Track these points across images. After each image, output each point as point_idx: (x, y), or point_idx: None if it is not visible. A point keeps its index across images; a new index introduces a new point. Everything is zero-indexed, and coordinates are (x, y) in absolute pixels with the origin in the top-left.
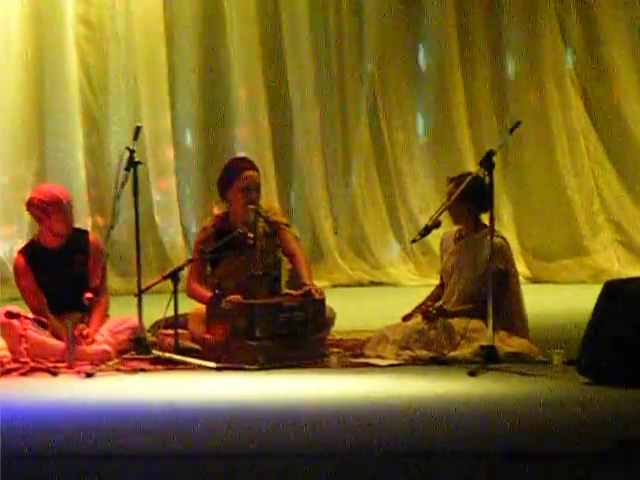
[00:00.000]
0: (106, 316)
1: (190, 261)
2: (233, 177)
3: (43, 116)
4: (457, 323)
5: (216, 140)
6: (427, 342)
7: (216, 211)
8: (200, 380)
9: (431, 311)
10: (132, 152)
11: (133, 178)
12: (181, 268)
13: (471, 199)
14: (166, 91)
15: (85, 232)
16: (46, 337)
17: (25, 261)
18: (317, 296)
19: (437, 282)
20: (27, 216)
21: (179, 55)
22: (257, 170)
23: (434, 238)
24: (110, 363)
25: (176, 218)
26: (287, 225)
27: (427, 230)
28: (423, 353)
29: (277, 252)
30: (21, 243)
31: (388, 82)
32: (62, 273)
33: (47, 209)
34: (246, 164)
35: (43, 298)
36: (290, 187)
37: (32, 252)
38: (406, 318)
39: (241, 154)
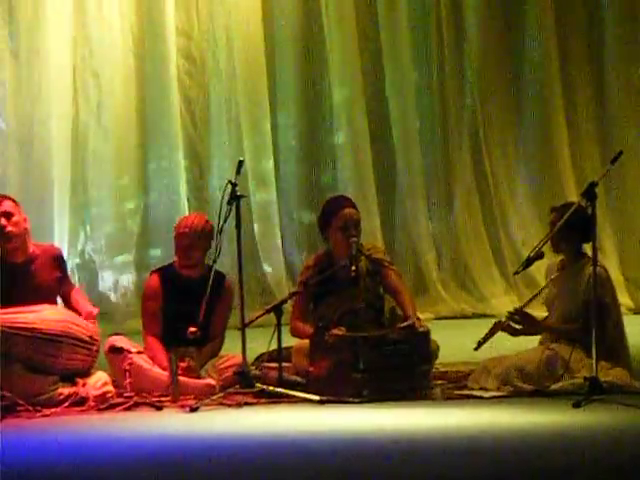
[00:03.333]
0: (216, 355)
1: (294, 294)
2: (332, 215)
3: (146, 150)
4: (560, 352)
5: (317, 177)
6: (527, 377)
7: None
8: (304, 413)
9: (513, 315)
10: (234, 186)
11: (236, 212)
12: (285, 301)
13: (574, 228)
14: (268, 124)
15: (223, 275)
16: (152, 370)
17: (159, 282)
18: (421, 329)
19: (540, 313)
20: (132, 250)
21: (280, 88)
22: (356, 207)
23: (537, 269)
24: (214, 397)
25: (279, 251)
26: (390, 263)
27: (529, 261)
28: (525, 386)
29: (379, 289)
30: (127, 278)
31: (490, 114)
32: (189, 305)
33: (181, 238)
34: (344, 201)
35: (161, 326)
36: (394, 221)
37: (167, 275)
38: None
39: (343, 191)
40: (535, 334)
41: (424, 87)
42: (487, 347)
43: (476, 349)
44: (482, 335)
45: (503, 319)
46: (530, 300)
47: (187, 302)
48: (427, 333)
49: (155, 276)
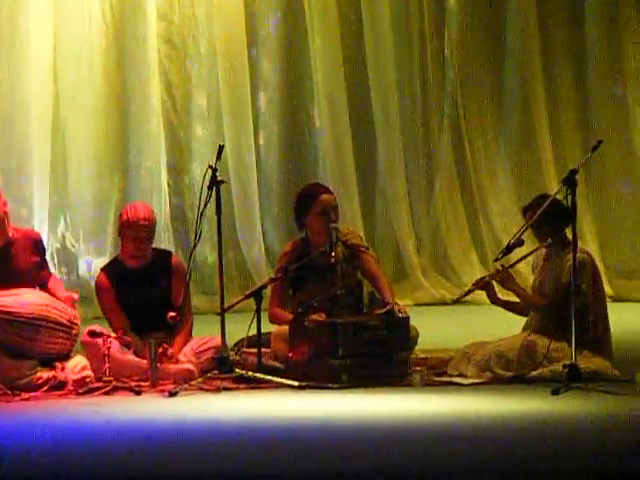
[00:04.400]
0: (190, 336)
1: (273, 280)
2: (310, 201)
3: (126, 134)
4: (539, 343)
5: (298, 161)
6: (507, 363)
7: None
8: (283, 399)
9: (498, 272)
10: (215, 171)
11: (216, 197)
12: (264, 286)
13: (552, 217)
14: (249, 110)
15: (168, 253)
16: (129, 356)
17: (107, 279)
18: (400, 314)
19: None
20: (110, 234)
21: (261, 72)
22: (332, 193)
23: (517, 256)
24: (193, 382)
25: (259, 237)
26: (366, 247)
27: (509, 248)
28: (505, 373)
29: (357, 274)
30: (103, 261)
31: (470, 101)
32: (144, 293)
33: (138, 229)
34: (321, 188)
35: (125, 317)
36: (374, 207)
37: (114, 271)
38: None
39: (323, 177)
40: (505, 307)
41: (405, 72)
42: (467, 333)
43: (454, 302)
44: (465, 320)
45: (487, 277)
46: (516, 262)
47: (140, 291)
48: (406, 319)
49: (102, 274)
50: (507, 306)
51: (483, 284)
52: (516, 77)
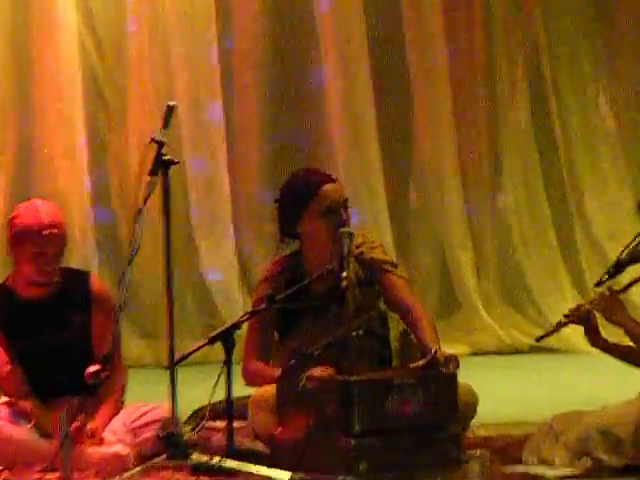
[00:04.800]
0: (121, 403)
1: (252, 315)
2: (306, 197)
3: (26, 86)
4: None
5: (290, 135)
6: (617, 445)
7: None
8: None
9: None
10: (161, 146)
11: (163, 187)
12: (237, 325)
13: None
14: (214, 55)
15: (85, 275)
16: (28, 433)
17: None
18: (448, 369)
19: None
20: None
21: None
22: (338, 182)
23: (630, 277)
24: (127, 474)
25: (229, 247)
26: (393, 265)
27: (619, 267)
28: (613, 460)
29: (379, 305)
30: None
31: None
32: (50, 337)
33: (41, 242)
34: (322, 176)
35: (21, 375)
36: (408, 206)
37: (1, 304)
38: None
39: (328, 159)
40: (611, 352)
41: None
42: (552, 397)
43: (538, 340)
44: (550, 377)
45: (587, 305)
46: (630, 285)
47: (43, 334)
48: (453, 376)
49: None
50: (614, 350)
51: (581, 315)
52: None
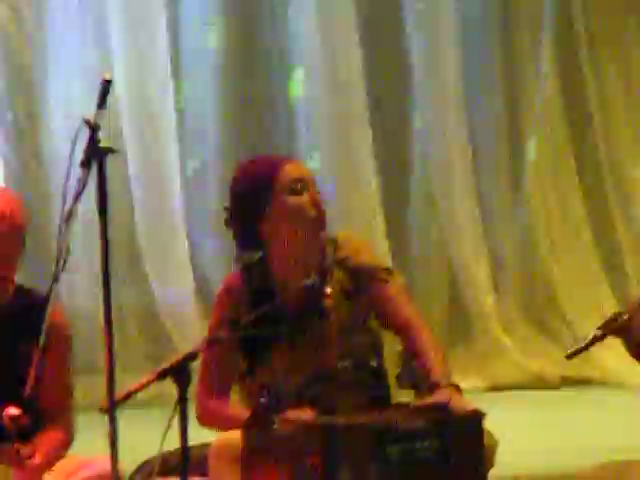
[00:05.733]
0: (59, 457)
1: (210, 342)
2: (265, 185)
3: None
4: None
5: (266, 112)
6: None
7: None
8: None
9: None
10: (94, 130)
11: (98, 182)
12: (193, 356)
13: None
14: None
15: (43, 299)
16: None
17: None
18: (462, 408)
19: None
20: None
21: None
22: (300, 162)
23: None
24: None
25: (183, 257)
26: (387, 271)
27: None
28: None
29: (370, 324)
30: None
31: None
32: None
33: (16, 237)
34: (277, 158)
35: None
36: (407, 207)
37: None
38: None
39: (309, 149)
40: None
41: None
42: (589, 447)
43: (569, 357)
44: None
45: (626, 315)
46: None
47: None
48: (475, 417)
49: None
50: None
51: (619, 326)
52: None
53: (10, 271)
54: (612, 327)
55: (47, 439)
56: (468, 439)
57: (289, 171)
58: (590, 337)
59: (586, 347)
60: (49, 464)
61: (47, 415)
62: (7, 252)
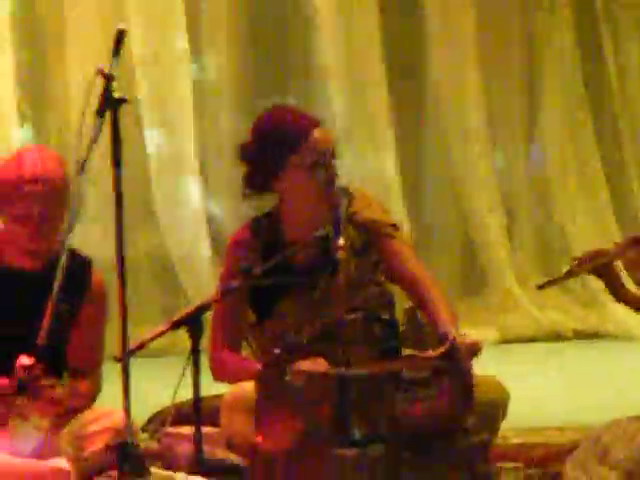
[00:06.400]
0: (77, 410)
1: (225, 293)
2: (291, 146)
3: None
4: None
5: (278, 54)
6: None
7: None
8: None
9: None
10: (108, 80)
11: (112, 133)
12: (206, 306)
13: None
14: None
15: (87, 261)
16: None
17: None
18: (471, 354)
19: None
20: None
21: None
22: (325, 127)
23: None
24: None
25: (196, 209)
26: (395, 227)
27: None
28: None
29: (378, 279)
30: None
31: None
32: (24, 322)
33: (33, 199)
34: (309, 120)
35: None
36: (423, 152)
37: None
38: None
39: (320, 94)
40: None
41: None
42: (603, 399)
43: (540, 288)
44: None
45: (609, 254)
46: None
47: (24, 310)
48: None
49: None
50: None
51: (604, 263)
52: None
53: (52, 232)
54: (592, 264)
55: (76, 389)
56: (471, 389)
57: (317, 141)
58: (565, 271)
59: (559, 280)
60: (73, 409)
61: (77, 370)
62: (47, 214)
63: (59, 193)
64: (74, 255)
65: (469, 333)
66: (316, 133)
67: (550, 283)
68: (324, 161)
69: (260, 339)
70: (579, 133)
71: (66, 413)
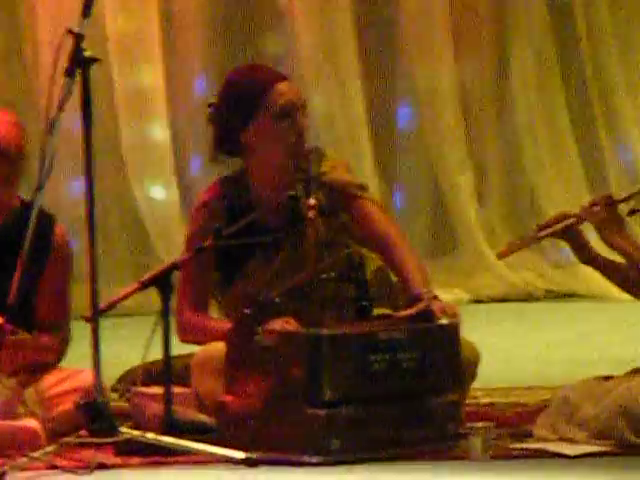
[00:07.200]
0: (48, 357)
1: (196, 251)
2: (255, 97)
3: None
4: None
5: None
6: None
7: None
8: None
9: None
10: (78, 39)
11: (81, 87)
12: (177, 265)
13: None
14: None
15: (49, 217)
16: None
17: None
18: (443, 319)
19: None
20: None
21: None
22: (291, 81)
23: None
24: (37, 454)
25: (166, 166)
26: (362, 187)
27: None
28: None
29: (346, 240)
30: None
31: None
32: None
33: (13, 158)
34: (274, 74)
35: None
36: (391, 109)
37: None
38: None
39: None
40: (604, 271)
41: None
42: (573, 359)
43: (499, 257)
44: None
45: (573, 217)
46: (634, 194)
47: None
48: (455, 327)
49: None
50: (607, 269)
51: (568, 225)
52: None
53: (8, 192)
54: (559, 224)
55: (44, 343)
56: (447, 349)
57: (282, 92)
58: (526, 237)
59: (519, 248)
60: (43, 364)
61: (44, 325)
62: (13, 174)
63: (12, 158)
64: (39, 213)
65: (440, 294)
66: (282, 85)
67: (510, 251)
68: (290, 112)
69: (229, 299)
70: (549, 96)
71: (34, 367)
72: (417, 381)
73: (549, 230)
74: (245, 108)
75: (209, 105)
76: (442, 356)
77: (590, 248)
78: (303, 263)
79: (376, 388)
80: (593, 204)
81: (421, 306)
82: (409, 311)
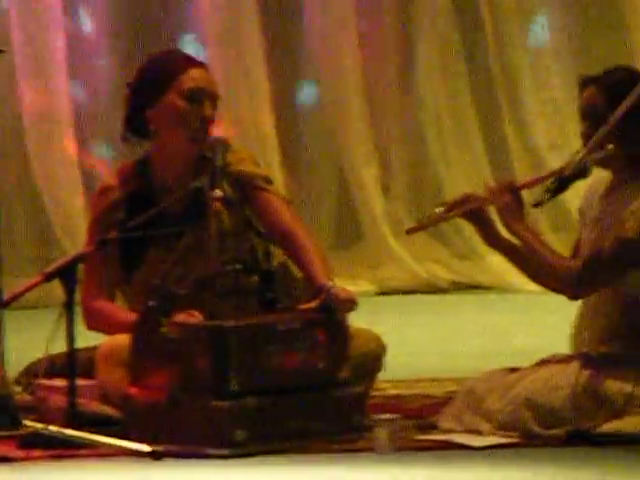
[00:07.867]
0: None
1: (101, 243)
2: (167, 77)
3: None
4: (612, 386)
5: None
6: (552, 414)
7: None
8: (120, 479)
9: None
10: None
11: None
12: (80, 258)
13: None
14: None
15: None
16: None
17: None
18: (345, 310)
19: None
20: None
21: None
22: (207, 69)
23: (573, 198)
24: None
25: (72, 156)
26: (267, 180)
27: (563, 183)
28: (550, 431)
29: (249, 233)
30: None
31: None
32: None
33: None
34: (190, 59)
35: None
36: (294, 99)
37: None
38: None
39: None
40: (507, 254)
41: None
42: (479, 350)
43: (408, 232)
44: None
45: (478, 198)
46: (537, 181)
47: None
48: (344, 317)
49: None
50: (511, 253)
51: (472, 207)
52: None
53: None
54: (462, 205)
55: None
56: (347, 340)
57: (194, 76)
58: (434, 215)
59: (427, 225)
60: None
61: None
62: None
63: None
64: None
65: (345, 286)
66: (196, 70)
67: (417, 229)
68: (198, 97)
69: (130, 288)
70: (454, 83)
71: None
72: (320, 372)
73: (457, 211)
74: (155, 87)
75: (127, 84)
76: (343, 348)
77: (496, 231)
78: (204, 254)
79: (279, 380)
80: (498, 188)
81: (322, 299)
82: (312, 304)
